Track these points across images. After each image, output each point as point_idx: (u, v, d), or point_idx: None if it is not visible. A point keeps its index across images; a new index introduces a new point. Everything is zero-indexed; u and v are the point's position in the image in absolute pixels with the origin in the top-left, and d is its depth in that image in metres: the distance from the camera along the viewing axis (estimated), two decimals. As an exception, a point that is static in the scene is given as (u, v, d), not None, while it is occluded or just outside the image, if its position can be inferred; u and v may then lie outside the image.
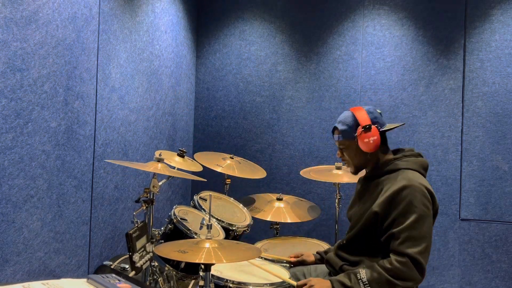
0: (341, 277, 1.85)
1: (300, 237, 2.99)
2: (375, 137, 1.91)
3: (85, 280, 1.19)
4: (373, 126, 1.92)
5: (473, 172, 3.66)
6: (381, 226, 1.85)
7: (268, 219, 2.98)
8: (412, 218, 1.77)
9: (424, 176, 1.95)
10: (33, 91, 2.28)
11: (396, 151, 2.05)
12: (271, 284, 2.06)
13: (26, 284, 1.09)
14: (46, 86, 2.37)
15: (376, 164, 2.00)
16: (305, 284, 1.91)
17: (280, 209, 3.05)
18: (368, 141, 1.91)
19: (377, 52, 3.90)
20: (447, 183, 3.71)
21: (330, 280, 1.86)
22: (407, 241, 1.75)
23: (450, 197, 3.70)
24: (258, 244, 2.83)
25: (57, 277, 2.49)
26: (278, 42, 4.15)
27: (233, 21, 4.26)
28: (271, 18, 4.17)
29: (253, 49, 4.20)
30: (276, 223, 3.06)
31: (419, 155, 2.00)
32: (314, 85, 4.05)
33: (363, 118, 1.94)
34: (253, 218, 2.98)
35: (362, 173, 2.11)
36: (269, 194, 3.25)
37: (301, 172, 3.16)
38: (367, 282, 1.77)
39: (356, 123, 1.96)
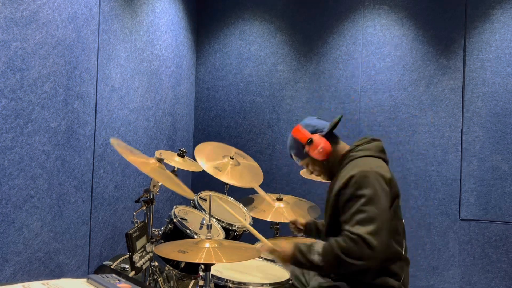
0: (302, 245, 1.88)
1: (300, 237, 2.98)
2: (322, 144, 1.97)
3: (85, 280, 1.19)
4: (314, 137, 1.99)
5: (473, 172, 3.66)
6: (339, 217, 1.87)
7: (268, 219, 2.98)
8: (360, 201, 1.77)
9: (383, 159, 1.95)
10: (33, 91, 2.28)
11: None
12: (271, 284, 2.06)
13: (26, 284, 1.09)
14: (46, 86, 2.37)
15: (337, 162, 2.02)
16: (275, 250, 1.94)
17: (280, 209, 3.04)
18: (318, 151, 1.98)
19: (377, 52, 3.90)
20: (447, 183, 3.71)
21: (293, 247, 1.89)
22: (357, 224, 1.75)
23: (450, 197, 3.70)
24: (258, 244, 2.83)
25: (57, 277, 2.49)
26: (278, 42, 4.15)
27: (233, 21, 4.26)
28: (271, 18, 4.17)
29: (253, 49, 4.20)
30: (276, 223, 3.05)
31: (373, 139, 2.01)
32: (314, 85, 4.05)
33: (302, 136, 2.02)
34: (253, 218, 2.98)
35: None
36: (269, 194, 3.25)
37: (301, 172, 3.16)
38: (320, 251, 1.79)
39: (300, 144, 2.03)
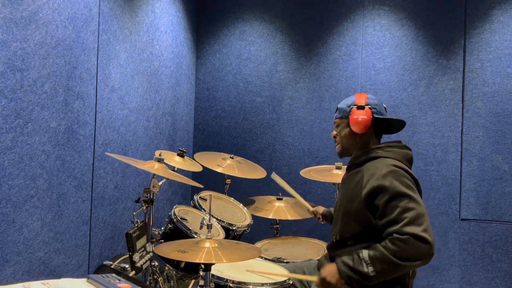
0: (345, 258, 1.83)
1: (300, 237, 2.99)
2: (365, 116, 1.95)
3: (85, 280, 1.19)
4: (366, 107, 1.97)
5: (473, 172, 3.66)
6: (373, 215, 1.84)
7: (270, 217, 2.98)
8: (404, 201, 1.76)
9: (408, 167, 1.93)
10: (33, 91, 2.28)
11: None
12: (271, 284, 2.06)
13: (26, 284, 1.09)
14: (46, 86, 2.37)
15: (360, 151, 2.00)
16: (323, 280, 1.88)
17: (280, 207, 3.05)
18: (357, 118, 1.95)
19: (377, 52, 3.90)
20: (447, 183, 3.71)
21: (335, 263, 1.85)
22: (408, 223, 1.72)
23: (450, 197, 3.70)
24: (258, 244, 2.83)
25: (57, 277, 2.49)
26: (278, 42, 4.15)
27: (233, 21, 4.26)
28: (271, 18, 4.17)
29: (253, 49, 4.20)
30: (276, 223, 3.06)
31: (405, 147, 1.99)
32: (314, 85, 4.05)
33: (360, 99, 2.00)
34: (253, 217, 2.98)
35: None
36: (269, 196, 3.24)
37: (301, 172, 3.16)
38: (368, 261, 1.75)
39: (351, 103, 2.02)
